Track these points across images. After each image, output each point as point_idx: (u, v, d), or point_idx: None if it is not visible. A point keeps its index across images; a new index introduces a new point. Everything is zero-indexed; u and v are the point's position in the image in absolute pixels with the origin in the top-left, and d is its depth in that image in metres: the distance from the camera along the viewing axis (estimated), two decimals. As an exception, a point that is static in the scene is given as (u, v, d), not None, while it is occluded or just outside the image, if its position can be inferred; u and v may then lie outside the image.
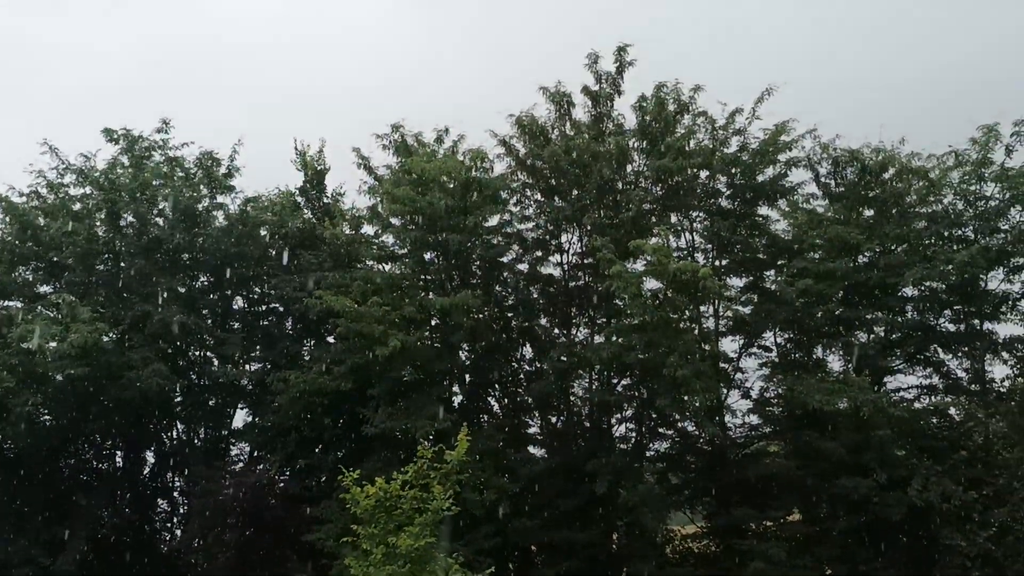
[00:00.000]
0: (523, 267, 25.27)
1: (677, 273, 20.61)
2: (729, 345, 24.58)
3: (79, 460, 26.81)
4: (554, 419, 25.38)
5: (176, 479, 26.89)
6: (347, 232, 26.06)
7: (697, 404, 21.82)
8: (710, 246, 24.54)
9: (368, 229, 26.18)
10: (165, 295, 25.07)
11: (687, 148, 23.37)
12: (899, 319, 23.75)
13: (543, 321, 25.38)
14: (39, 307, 24.01)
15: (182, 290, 25.90)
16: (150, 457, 27.16)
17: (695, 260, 23.53)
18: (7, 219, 25.51)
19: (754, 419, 24.27)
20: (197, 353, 26.70)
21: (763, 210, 24.49)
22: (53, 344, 22.35)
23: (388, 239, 25.42)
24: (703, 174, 24.02)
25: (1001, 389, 23.30)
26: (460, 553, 16.19)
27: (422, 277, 24.79)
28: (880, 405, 21.20)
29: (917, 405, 23.37)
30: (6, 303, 25.30)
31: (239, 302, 27.29)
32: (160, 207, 25.71)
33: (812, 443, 21.67)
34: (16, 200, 25.66)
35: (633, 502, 21.25)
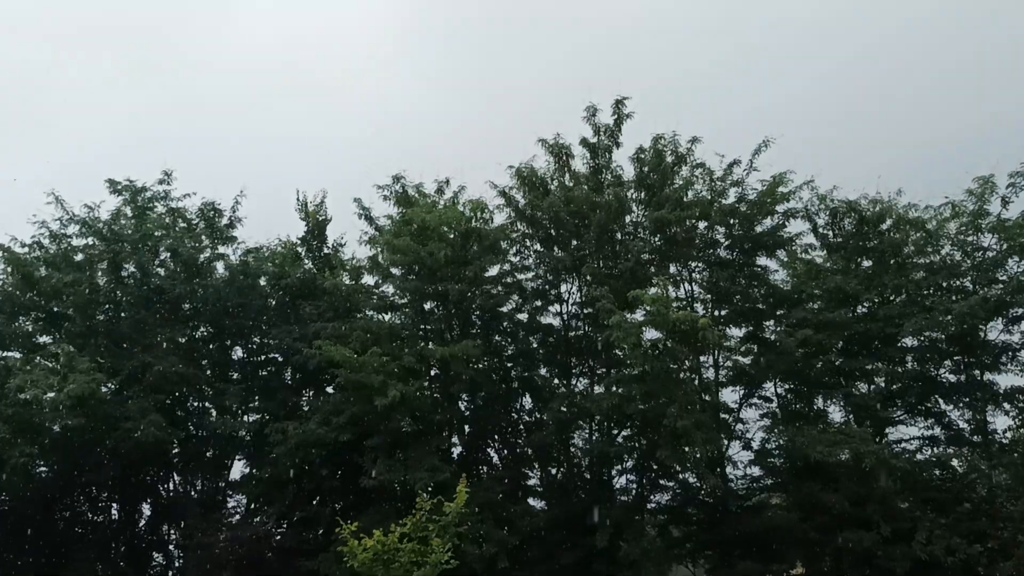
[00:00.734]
0: (523, 317, 25.30)
1: (677, 323, 20.63)
2: (729, 396, 24.58)
3: (74, 512, 26.53)
4: (554, 471, 25.19)
5: (172, 532, 26.57)
6: (347, 282, 26.14)
7: (698, 455, 21.71)
8: (709, 296, 24.61)
9: (368, 279, 26.28)
10: (164, 345, 25.04)
11: (685, 199, 23.56)
12: (899, 369, 23.74)
13: (543, 371, 25.34)
14: (38, 357, 23.95)
15: (182, 340, 25.89)
16: (146, 509, 26.93)
17: (694, 310, 23.56)
18: (9, 269, 25.59)
19: (756, 471, 24.11)
20: (195, 404, 26.58)
21: (762, 260, 24.63)
22: (50, 394, 22.27)
23: (388, 289, 25.51)
24: (702, 225, 24.18)
25: (1003, 440, 23.17)
26: (459, 608, 15.96)
27: (422, 327, 24.81)
28: (882, 456, 21.09)
29: (919, 456, 23.25)
30: (5, 353, 25.26)
31: (238, 352, 27.25)
32: (162, 257, 25.84)
33: (814, 495, 21.50)
34: (18, 250, 25.76)
35: (634, 556, 21.00)
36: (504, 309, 25.11)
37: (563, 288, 25.03)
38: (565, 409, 23.17)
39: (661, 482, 24.37)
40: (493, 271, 24.93)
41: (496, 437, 25.74)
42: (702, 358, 23.54)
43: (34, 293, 25.45)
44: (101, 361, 24.03)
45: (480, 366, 24.14)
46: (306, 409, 24.97)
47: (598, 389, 23.74)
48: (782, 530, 22.16)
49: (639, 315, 22.00)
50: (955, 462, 23.38)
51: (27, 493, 24.40)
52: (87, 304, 25.17)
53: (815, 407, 24.07)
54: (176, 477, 26.72)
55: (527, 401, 25.51)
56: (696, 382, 23.17)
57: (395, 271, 24.48)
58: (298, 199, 27.62)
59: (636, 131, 24.34)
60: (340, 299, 25.35)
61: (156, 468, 26.24)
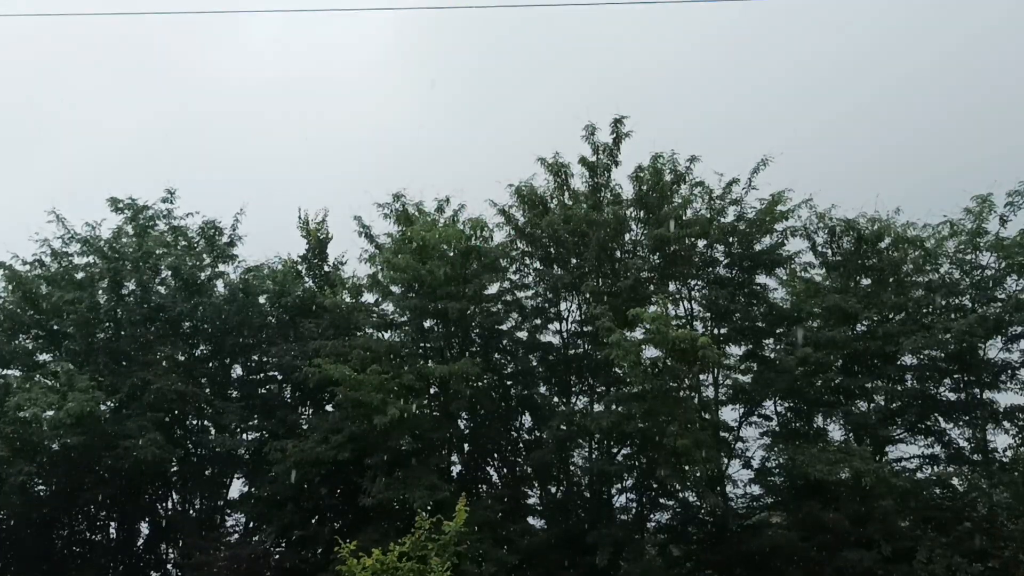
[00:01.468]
0: (522, 335, 25.32)
1: (676, 341, 20.63)
2: (729, 414, 24.51)
3: (72, 531, 26.46)
4: (554, 489, 25.13)
5: (170, 551, 26.48)
6: (347, 300, 26.18)
7: (698, 474, 21.69)
8: (709, 314, 24.62)
9: (368, 297, 26.32)
10: (164, 363, 25.06)
11: (684, 217, 23.64)
12: (899, 388, 23.72)
13: (542, 389, 25.31)
14: (37, 375, 23.96)
15: (181, 358, 25.90)
16: (144, 528, 26.83)
17: (694, 328, 23.58)
18: (10, 287, 25.63)
19: (756, 489, 24.04)
20: (194, 422, 26.56)
21: (761, 279, 24.64)
22: (49, 413, 22.27)
23: (388, 307, 25.53)
24: (701, 243, 24.24)
25: (1004, 459, 23.12)
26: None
27: (421, 345, 24.81)
28: (882, 475, 21.04)
29: (919, 475, 23.20)
30: (5, 371, 25.26)
31: (238, 370, 27.25)
32: (163, 275, 25.90)
33: (814, 514, 21.44)
34: (20, 268, 25.83)
35: (634, 575, 20.91)
36: (504, 327, 25.15)
37: (563, 306, 25.08)
38: (565, 427, 23.14)
39: (661, 501, 24.29)
40: (493, 289, 25.00)
41: (496, 455, 25.69)
42: (702, 376, 23.53)
43: (34, 311, 25.50)
44: (101, 379, 24.04)
45: (480, 384, 24.12)
46: (305, 427, 24.95)
47: (598, 407, 23.73)
48: (782, 549, 22.07)
49: (639, 333, 22.00)
50: (955, 481, 23.31)
51: (25, 511, 24.34)
52: (87, 322, 25.20)
53: (815, 425, 24.03)
54: (175, 495, 26.66)
55: (527, 419, 25.48)
56: (696, 400, 23.15)
57: (395, 289, 24.52)
58: (299, 217, 27.77)
59: (635, 150, 24.52)
60: (340, 317, 25.39)
61: (155, 486, 26.19)
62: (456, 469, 24.70)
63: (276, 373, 26.76)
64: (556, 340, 25.15)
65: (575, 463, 24.77)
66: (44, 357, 25.87)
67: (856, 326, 23.93)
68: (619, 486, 24.42)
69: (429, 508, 20.25)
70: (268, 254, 27.34)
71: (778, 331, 24.30)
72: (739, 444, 24.24)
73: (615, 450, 24.00)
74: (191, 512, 26.33)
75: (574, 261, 24.44)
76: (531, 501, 25.27)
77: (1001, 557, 20.89)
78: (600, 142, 24.40)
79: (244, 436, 26.07)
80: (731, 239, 24.03)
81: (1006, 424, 23.17)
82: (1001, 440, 23.40)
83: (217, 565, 22.45)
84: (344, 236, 26.97)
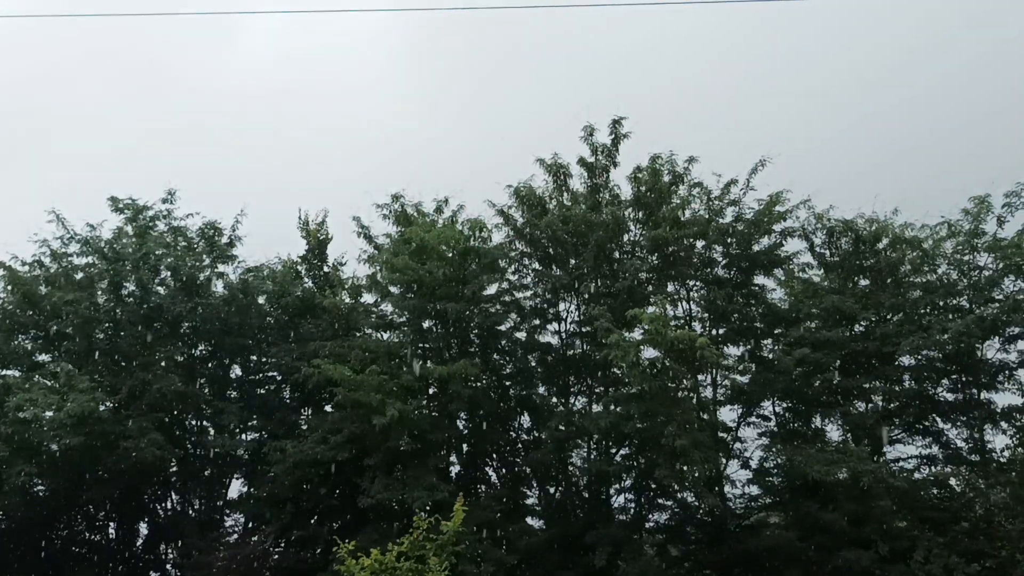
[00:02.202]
0: (521, 335, 25.35)
1: (675, 342, 20.68)
2: (728, 415, 24.56)
3: (72, 531, 26.49)
4: (552, 489, 25.17)
5: (169, 551, 26.52)
6: (347, 301, 26.22)
7: (696, 474, 21.70)
8: (707, 315, 24.66)
9: (368, 298, 26.37)
10: (163, 364, 25.09)
11: (682, 218, 23.68)
12: (897, 388, 23.76)
13: (541, 390, 25.35)
14: (37, 376, 24.01)
15: (181, 359, 25.94)
16: (143, 528, 26.87)
17: (692, 329, 23.62)
18: (9, 288, 25.67)
19: (754, 490, 24.10)
20: (194, 422, 26.61)
21: (759, 279, 24.69)
22: (49, 413, 22.31)
23: (387, 308, 25.57)
24: (699, 244, 24.29)
25: (1001, 459, 23.17)
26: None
27: (420, 345, 24.86)
28: (880, 476, 21.09)
29: (917, 475, 23.25)
30: (4, 372, 25.30)
31: (237, 371, 27.29)
32: (162, 276, 25.93)
33: (812, 514, 21.49)
34: (19, 269, 25.87)
35: (633, 575, 20.95)
36: (502, 328, 25.18)
37: (561, 307, 25.11)
38: (563, 428, 23.18)
39: (659, 501, 24.34)
40: (491, 290, 25.04)
41: (494, 456, 25.74)
42: (700, 377, 23.56)
43: (34, 312, 25.53)
44: (100, 380, 24.08)
45: (478, 385, 24.16)
46: (304, 428, 25.00)
47: (596, 408, 23.77)
48: (780, 549, 22.10)
49: (637, 334, 22.05)
50: (953, 481, 23.37)
51: (25, 512, 24.37)
52: (87, 323, 25.23)
53: (813, 426, 24.09)
54: (174, 496, 26.71)
55: (525, 420, 25.52)
56: (694, 401, 23.17)
57: (394, 289, 24.57)
58: (299, 218, 27.83)
59: (633, 151, 24.54)
60: (339, 318, 25.43)
61: (154, 487, 26.23)
62: (455, 469, 24.75)
63: (275, 374, 26.82)
64: (555, 341, 25.20)
65: (573, 463, 24.81)
66: (44, 358, 25.91)
67: (854, 327, 23.99)
68: (617, 486, 24.47)
69: (428, 508, 20.34)
70: (268, 255, 27.44)
71: (776, 332, 24.34)
72: (737, 444, 24.32)
73: (613, 450, 24.04)
74: (190, 512, 26.38)
75: (573, 262, 24.48)
76: (530, 501, 25.32)
77: (998, 557, 20.92)
78: (599, 143, 24.45)
79: (243, 436, 26.11)
80: (729, 240, 24.07)
81: (1003, 424, 23.25)
82: (999, 440, 23.51)
83: (216, 565, 22.48)
84: (344, 237, 27.06)
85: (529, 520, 24.62)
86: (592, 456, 24.15)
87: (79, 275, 26.01)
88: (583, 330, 24.50)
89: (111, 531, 26.86)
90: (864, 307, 23.43)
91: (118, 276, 25.48)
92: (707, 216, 23.98)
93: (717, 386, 24.15)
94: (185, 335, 26.36)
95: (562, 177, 24.78)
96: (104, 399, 23.47)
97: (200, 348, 26.98)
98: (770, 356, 24.09)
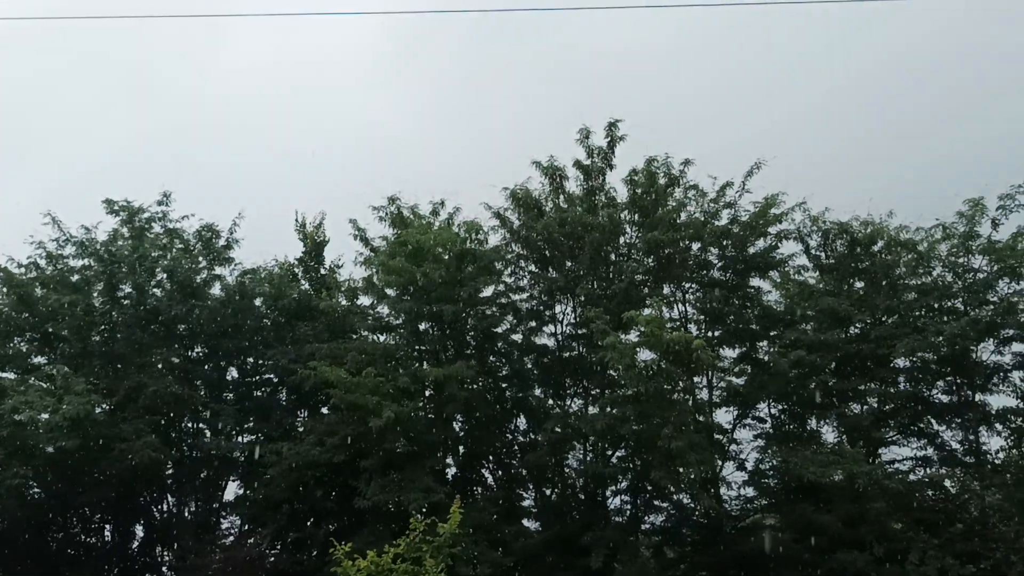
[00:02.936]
0: (517, 337, 25.38)
1: (671, 344, 20.72)
2: (723, 416, 24.61)
3: (67, 534, 26.44)
4: (548, 491, 25.19)
5: (165, 554, 26.47)
6: (343, 303, 26.24)
7: (692, 476, 21.73)
8: (703, 317, 24.72)
9: (364, 300, 26.37)
10: (160, 366, 25.06)
11: (678, 221, 23.74)
12: (892, 390, 23.84)
13: (537, 392, 25.39)
14: (33, 378, 23.98)
15: (177, 361, 25.92)
16: (139, 531, 26.82)
17: (688, 331, 23.66)
18: (5, 290, 25.64)
19: (750, 491, 24.14)
20: (190, 425, 26.59)
21: (755, 281, 24.75)
22: (45, 416, 22.28)
23: (383, 310, 25.59)
24: (695, 246, 24.34)
25: (996, 461, 23.25)
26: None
27: (416, 348, 24.87)
28: (875, 477, 21.16)
29: (912, 477, 23.31)
30: (0, 374, 25.25)
31: (233, 373, 27.28)
32: (158, 278, 25.91)
33: (808, 516, 21.53)
34: (15, 271, 25.84)
35: (629, 577, 20.98)
36: (499, 330, 25.21)
37: (557, 309, 25.13)
38: (559, 430, 23.22)
39: (655, 503, 24.36)
40: (488, 292, 25.07)
41: (490, 458, 25.75)
42: (696, 379, 23.62)
43: (30, 314, 25.50)
44: (96, 382, 24.05)
45: (475, 387, 24.18)
46: (301, 430, 25.00)
47: (592, 410, 23.80)
48: (776, 551, 22.14)
49: (633, 336, 22.10)
50: (948, 483, 23.42)
51: (21, 515, 24.32)
52: (83, 325, 25.21)
53: (808, 428, 24.14)
54: (170, 498, 26.66)
55: (521, 422, 25.53)
56: (690, 403, 23.23)
57: (390, 292, 24.59)
58: (296, 220, 27.85)
59: (629, 153, 24.59)
60: (336, 320, 25.44)
61: (150, 489, 26.19)
62: (451, 471, 24.74)
63: (272, 376, 26.81)
64: (551, 343, 25.24)
65: (570, 465, 24.84)
66: (39, 360, 25.88)
67: (849, 329, 24.06)
68: (614, 488, 24.47)
69: (424, 510, 20.32)
70: (265, 257, 27.45)
71: (772, 334, 24.40)
72: (733, 446, 24.38)
73: (610, 452, 24.07)
74: (186, 515, 26.34)
75: (569, 264, 24.53)
76: (526, 503, 25.34)
77: (993, 559, 20.99)
78: (595, 145, 24.51)
79: (239, 439, 26.09)
80: (725, 242, 24.13)
81: (998, 426, 23.33)
82: (993, 442, 23.58)
83: (212, 568, 22.47)
84: (340, 239, 27.08)
85: (525, 522, 24.65)
86: (588, 458, 24.19)
87: (75, 277, 25.99)
88: (579, 332, 24.53)
89: (107, 534, 26.82)
90: (859, 309, 23.50)
91: (114, 278, 25.46)
92: (703, 219, 24.04)
93: (713, 388, 24.20)
94: (181, 337, 26.34)
95: (558, 179, 24.83)
96: (100, 401, 23.44)
97: (196, 350, 26.97)
98: (766, 358, 24.15)
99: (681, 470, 21.30)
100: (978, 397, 23.42)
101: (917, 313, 23.83)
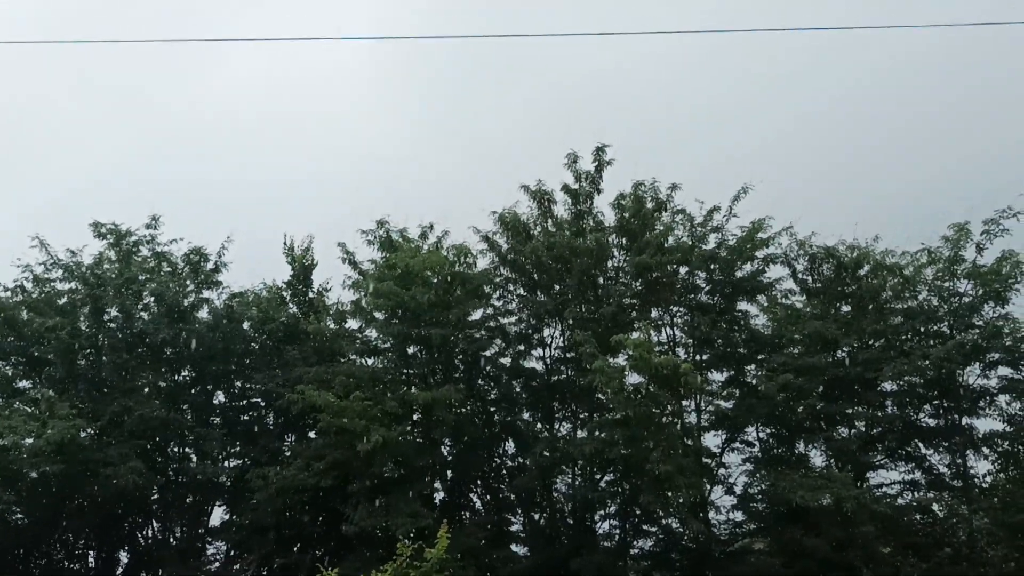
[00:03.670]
0: (506, 361, 25.36)
1: (659, 368, 20.75)
2: (712, 440, 24.59)
3: (51, 560, 26.09)
4: (537, 516, 25.07)
5: (150, 579, 26.19)
6: (331, 326, 26.18)
7: (681, 500, 21.68)
8: (691, 341, 24.77)
9: (352, 323, 26.32)
10: (146, 390, 24.90)
11: (666, 245, 23.84)
12: (879, 414, 23.88)
13: (526, 416, 25.34)
14: (17, 403, 23.78)
15: (163, 385, 25.77)
16: (124, 557, 26.53)
17: (676, 355, 23.69)
18: (-10, 313, 25.45)
19: (738, 515, 24.09)
20: (176, 449, 26.39)
21: (742, 305, 24.84)
22: (29, 440, 22.08)
23: (372, 333, 25.53)
24: (682, 270, 24.43)
25: (983, 485, 23.28)
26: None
27: (404, 371, 24.81)
28: (863, 501, 21.12)
29: (900, 501, 23.30)
30: (-16, 398, 25.04)
31: (220, 397, 27.12)
32: (145, 301, 25.81)
33: (797, 540, 21.48)
34: (1, 294, 25.68)
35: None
36: (487, 353, 25.20)
37: (546, 332, 25.16)
38: (548, 454, 23.15)
39: (644, 527, 24.28)
40: (476, 315, 25.07)
41: (479, 482, 25.65)
42: (684, 402, 23.62)
43: (15, 337, 25.32)
44: (81, 406, 23.86)
45: (463, 411, 24.12)
46: (288, 454, 24.84)
47: (581, 434, 23.76)
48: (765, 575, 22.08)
49: (621, 359, 22.11)
50: (936, 507, 23.45)
51: (3, 541, 24.03)
52: (69, 349, 25.04)
53: (796, 451, 24.14)
54: (155, 524, 26.40)
55: (510, 446, 25.46)
56: (678, 427, 23.20)
57: (378, 315, 24.55)
58: (285, 243, 27.82)
59: (617, 178, 24.76)
60: (324, 343, 25.38)
61: (135, 514, 25.94)
62: (439, 496, 24.63)
63: (259, 400, 26.67)
64: (539, 366, 25.22)
65: (558, 490, 24.76)
66: (24, 384, 25.68)
67: (836, 352, 24.13)
68: (602, 513, 24.40)
69: (411, 535, 20.17)
70: (253, 280, 27.37)
71: (759, 357, 24.45)
72: (721, 470, 24.34)
73: (598, 476, 24.01)
74: (172, 540, 26.08)
75: (557, 287, 24.59)
76: (514, 528, 25.20)
77: (981, 583, 20.99)
78: (582, 170, 24.65)
79: (226, 463, 25.90)
80: (712, 266, 24.24)
81: (985, 450, 23.36)
82: (981, 466, 23.62)
83: (197, 594, 22.25)
84: (329, 262, 27.05)
85: (514, 547, 24.51)
86: (577, 482, 24.11)
87: (62, 300, 25.85)
88: (568, 356, 24.54)
89: (91, 560, 26.49)
90: (846, 333, 23.59)
91: (100, 302, 25.33)
92: (690, 243, 24.15)
93: (701, 412, 24.20)
94: (168, 361, 26.20)
95: (546, 203, 24.93)
96: (85, 425, 23.24)
97: (183, 374, 26.81)
98: (753, 382, 24.18)
99: (670, 494, 21.27)
100: (965, 421, 23.48)
101: (904, 337, 23.93)
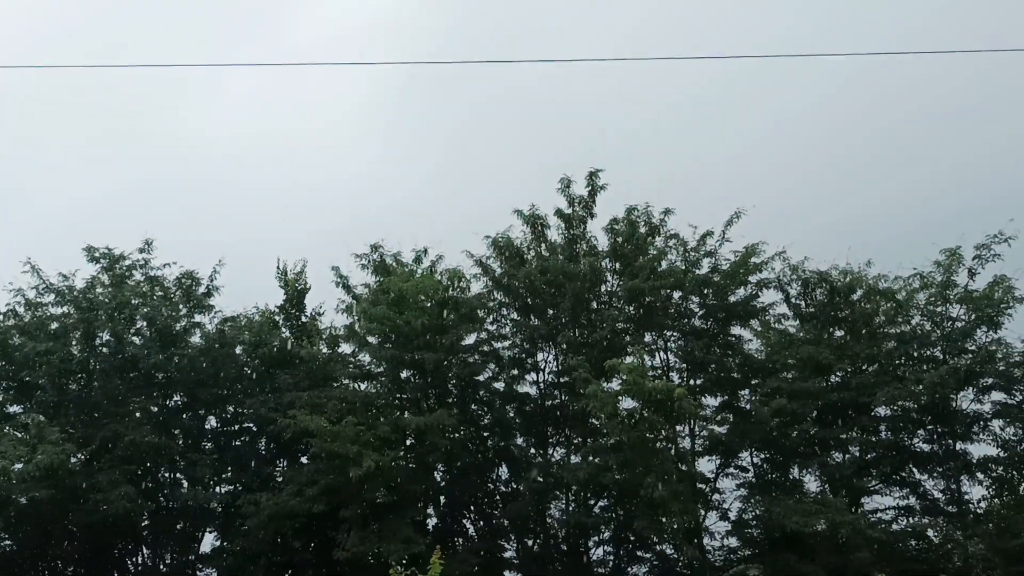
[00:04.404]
0: (499, 386, 25.30)
1: (653, 393, 20.71)
2: (706, 465, 24.51)
3: (39, 587, 25.83)
4: (531, 542, 24.91)
5: (139, 607, 25.89)
6: (324, 351, 26.09)
7: (675, 526, 21.59)
8: (684, 365, 24.75)
9: (345, 348, 26.24)
10: (137, 415, 24.74)
11: (659, 269, 23.89)
12: (873, 439, 23.85)
13: (519, 441, 25.24)
14: (7, 427, 23.59)
15: (155, 409, 25.61)
16: (113, 584, 26.25)
17: (670, 380, 23.67)
18: (-19, 338, 25.31)
19: (733, 541, 23.96)
20: (167, 474, 26.17)
21: (736, 330, 24.86)
22: (18, 465, 21.89)
23: (364, 358, 25.47)
24: (676, 294, 24.47)
25: (978, 510, 23.21)
26: None
27: (397, 396, 24.72)
28: (858, 527, 21.06)
29: (895, 527, 23.22)
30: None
31: (212, 422, 26.96)
32: (138, 326, 25.70)
33: (791, 566, 21.36)
34: (-8, 319, 25.56)
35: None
36: (480, 378, 25.16)
37: (539, 357, 25.13)
38: (542, 479, 23.08)
39: (638, 553, 24.17)
40: (470, 340, 25.04)
41: (472, 508, 25.49)
42: (678, 427, 23.55)
43: (6, 362, 25.17)
44: (72, 431, 23.69)
45: (456, 436, 24.02)
46: (280, 480, 24.67)
47: (575, 459, 23.66)
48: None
49: (615, 384, 22.07)
50: (931, 532, 23.36)
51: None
52: (59, 373, 24.90)
53: (791, 477, 24.07)
54: (145, 550, 26.12)
55: (503, 471, 25.37)
56: (672, 452, 23.14)
57: (372, 339, 24.50)
58: (278, 267, 27.78)
59: (610, 203, 24.83)
60: (316, 368, 25.29)
61: (125, 541, 25.67)
62: (432, 522, 24.48)
63: (251, 425, 26.49)
64: (533, 391, 25.19)
65: (552, 515, 24.61)
66: (14, 409, 25.48)
67: (830, 377, 24.12)
68: (596, 538, 24.28)
69: (404, 562, 19.97)
70: (246, 304, 27.28)
71: (753, 382, 24.43)
72: (716, 496, 24.24)
73: (592, 502, 23.90)
74: (162, 567, 25.79)
75: (551, 312, 24.58)
76: (508, 554, 25.06)
77: (977, 609, 20.88)
78: (576, 194, 24.74)
79: (217, 489, 25.71)
80: (706, 290, 24.28)
81: (979, 475, 23.32)
82: (975, 491, 23.57)
83: (187, 622, 22.00)
84: (322, 287, 26.99)
85: (507, 573, 24.44)
86: (571, 508, 23.99)
87: (54, 325, 25.72)
88: (561, 380, 24.49)
89: (79, 587, 26.20)
90: (839, 358, 23.61)
91: (92, 326, 25.21)
92: (683, 267, 24.20)
93: (695, 437, 24.16)
94: (160, 386, 26.05)
95: (539, 228, 24.99)
96: (75, 451, 23.07)
97: (175, 399, 26.64)
98: (747, 407, 24.16)
99: (664, 520, 21.18)
100: (959, 446, 23.46)
101: (897, 361, 23.96)
